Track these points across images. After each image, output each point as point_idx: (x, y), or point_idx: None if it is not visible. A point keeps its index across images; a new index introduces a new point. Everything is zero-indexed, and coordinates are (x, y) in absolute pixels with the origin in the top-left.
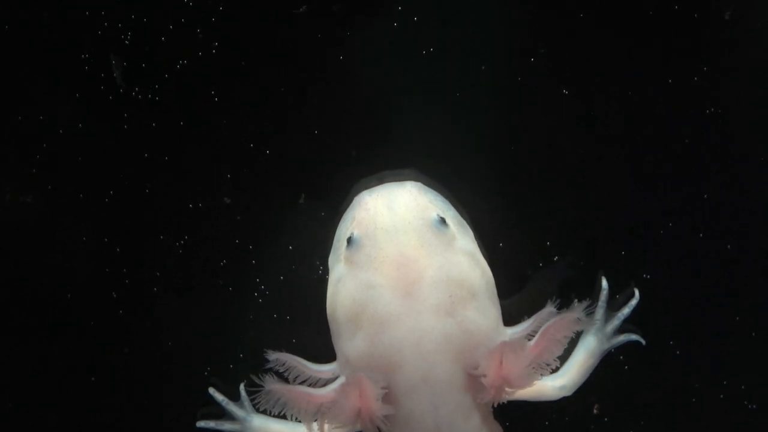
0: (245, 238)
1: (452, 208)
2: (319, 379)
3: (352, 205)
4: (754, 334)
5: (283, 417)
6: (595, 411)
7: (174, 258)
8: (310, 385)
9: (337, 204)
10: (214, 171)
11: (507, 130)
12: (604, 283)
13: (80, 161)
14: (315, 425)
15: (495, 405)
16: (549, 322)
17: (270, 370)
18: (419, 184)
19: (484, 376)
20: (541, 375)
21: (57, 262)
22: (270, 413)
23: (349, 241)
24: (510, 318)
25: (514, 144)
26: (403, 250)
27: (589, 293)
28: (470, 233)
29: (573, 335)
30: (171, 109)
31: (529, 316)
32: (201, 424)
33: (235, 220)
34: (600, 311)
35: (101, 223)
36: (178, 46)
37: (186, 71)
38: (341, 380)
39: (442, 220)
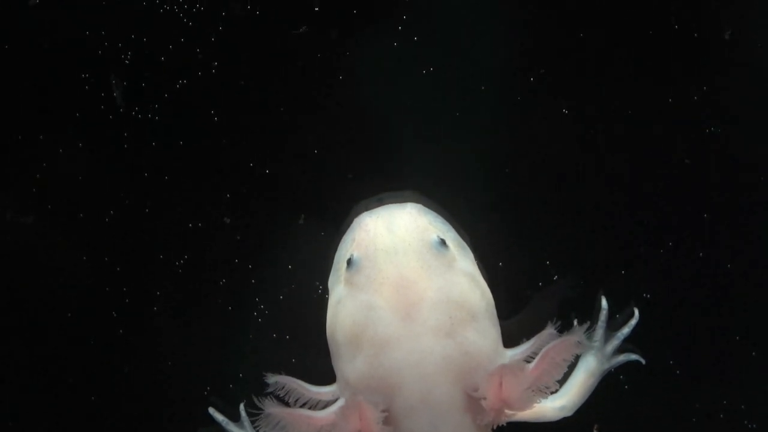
0: (245, 257)
1: (452, 229)
2: (319, 401)
3: (352, 226)
4: (754, 353)
5: None
6: (595, 431)
7: (174, 277)
8: (310, 408)
9: (336, 225)
10: (214, 191)
11: (506, 150)
12: (604, 302)
13: (80, 180)
14: None
15: (495, 427)
16: (549, 345)
17: (269, 392)
18: (419, 206)
19: (484, 398)
20: (541, 398)
21: (57, 282)
22: None
23: (349, 262)
24: (510, 339)
25: (514, 164)
26: (403, 271)
27: (589, 313)
28: (470, 254)
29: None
30: (171, 128)
31: (529, 337)
32: None
33: (234, 240)
34: (600, 331)
35: (101, 243)
36: (178, 66)
37: (186, 91)
38: (341, 402)
39: (442, 242)
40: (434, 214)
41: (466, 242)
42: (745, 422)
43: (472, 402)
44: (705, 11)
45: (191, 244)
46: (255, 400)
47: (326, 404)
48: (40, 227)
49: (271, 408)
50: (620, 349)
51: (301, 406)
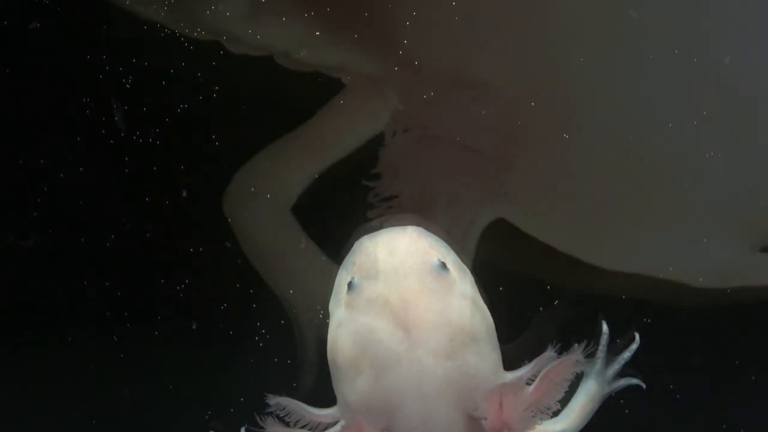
0: (245, 282)
1: (452, 252)
2: (320, 422)
3: (352, 249)
4: (754, 377)
5: None
6: None
7: (175, 302)
8: (310, 429)
9: (337, 249)
10: (215, 215)
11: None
12: (605, 327)
13: (81, 204)
14: None
15: None
16: (549, 366)
17: (271, 413)
18: (420, 229)
19: (484, 418)
20: (541, 419)
21: (57, 305)
22: None
23: (350, 285)
24: (510, 362)
25: (512, 188)
26: (404, 294)
27: (590, 337)
28: (470, 277)
29: (573, 379)
30: (172, 153)
31: (530, 360)
32: None
33: (235, 264)
34: (600, 355)
35: (102, 267)
36: (179, 90)
37: (187, 115)
38: (341, 424)
39: (443, 265)
40: (435, 237)
41: (467, 265)
42: None
43: (473, 423)
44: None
45: (192, 269)
46: (257, 418)
47: (327, 426)
48: (40, 250)
49: (272, 428)
50: (621, 374)
51: (302, 428)
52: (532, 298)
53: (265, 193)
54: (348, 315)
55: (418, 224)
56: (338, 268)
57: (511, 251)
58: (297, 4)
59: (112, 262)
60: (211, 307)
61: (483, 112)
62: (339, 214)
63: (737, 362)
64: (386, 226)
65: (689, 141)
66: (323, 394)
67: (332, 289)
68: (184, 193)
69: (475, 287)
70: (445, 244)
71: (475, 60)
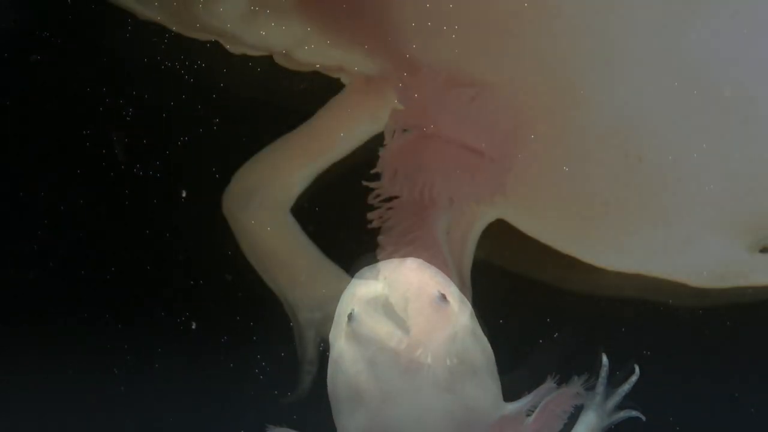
0: (246, 314)
1: (452, 284)
2: None
3: (352, 281)
4: (753, 410)
5: None
6: None
7: (175, 334)
8: None
9: (337, 248)
10: (215, 248)
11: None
12: (604, 359)
13: (81, 237)
14: None
15: None
16: (549, 397)
17: None
18: (420, 261)
19: None
20: None
21: (58, 340)
22: None
23: (350, 317)
24: (510, 394)
25: (512, 188)
26: (404, 326)
27: (589, 369)
28: (470, 309)
29: (573, 410)
30: (172, 185)
31: (529, 392)
32: None
33: (236, 297)
34: (600, 387)
35: (102, 300)
36: (180, 122)
37: (187, 115)
38: None
39: (443, 297)
40: (434, 269)
41: (467, 297)
42: None
43: None
44: None
45: (193, 302)
46: None
47: None
48: (41, 284)
49: None
50: (621, 406)
51: None
52: (532, 330)
53: (265, 193)
54: (348, 347)
55: (418, 257)
56: (338, 269)
57: (511, 251)
58: (297, 4)
59: (112, 294)
60: (211, 307)
61: (483, 112)
62: (339, 214)
63: (737, 362)
64: (387, 259)
65: (689, 141)
66: (323, 393)
67: (332, 288)
68: (184, 193)
69: (475, 319)
70: (445, 276)
71: (475, 60)
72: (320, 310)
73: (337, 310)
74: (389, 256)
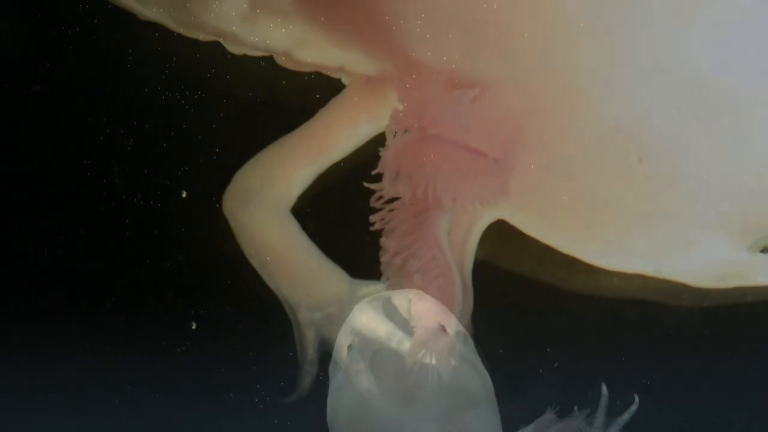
0: (246, 314)
1: (453, 316)
2: None
3: (352, 313)
4: (753, 410)
5: None
6: None
7: (175, 334)
8: None
9: (337, 249)
10: (215, 215)
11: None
12: (604, 389)
13: (81, 268)
14: None
15: None
16: (549, 429)
17: None
18: (419, 293)
19: None
20: None
21: (58, 338)
22: None
23: (350, 349)
24: (510, 425)
25: (513, 188)
26: (403, 358)
27: (589, 400)
28: (470, 341)
29: None
30: (173, 216)
31: (529, 423)
32: None
33: (236, 329)
34: (600, 417)
35: (102, 300)
36: (180, 122)
37: (187, 115)
38: None
39: (443, 329)
40: (434, 301)
41: (468, 298)
42: None
43: None
44: None
45: (192, 301)
46: None
47: None
48: (40, 284)
49: None
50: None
51: None
52: (531, 361)
53: (266, 193)
54: (348, 379)
55: (419, 257)
56: (338, 269)
57: (512, 252)
58: (297, 4)
59: (111, 326)
60: (211, 307)
61: (484, 112)
62: (339, 214)
63: (737, 362)
64: (386, 291)
65: (689, 142)
66: (323, 393)
67: (332, 288)
68: (184, 194)
69: (475, 350)
70: (445, 309)
71: (475, 60)
72: (320, 310)
73: (336, 341)
74: (391, 258)
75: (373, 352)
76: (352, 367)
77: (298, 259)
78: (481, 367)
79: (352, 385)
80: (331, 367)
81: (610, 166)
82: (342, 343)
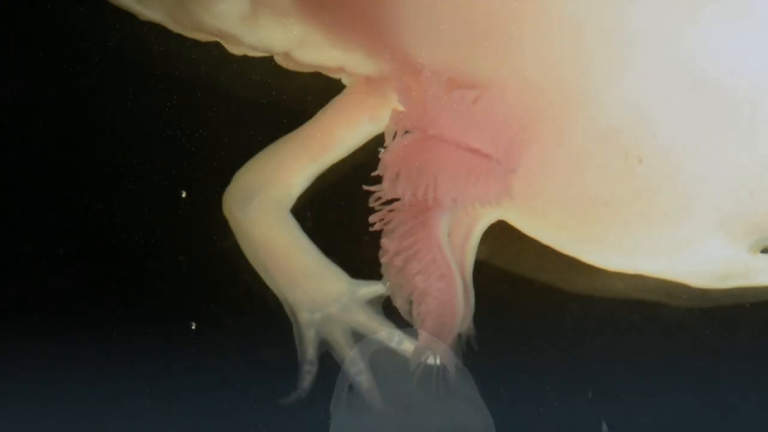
0: (246, 314)
1: (454, 356)
2: None
3: (354, 350)
4: (752, 410)
5: None
6: None
7: (175, 334)
8: None
9: (337, 249)
10: (215, 215)
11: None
12: (605, 427)
13: (81, 237)
14: None
15: None
16: None
17: None
18: (422, 333)
19: None
20: None
21: (58, 338)
22: None
23: (351, 387)
24: None
25: (513, 189)
26: (405, 396)
27: (589, 400)
28: (471, 380)
29: None
30: (173, 216)
31: (529, 427)
32: None
33: (236, 329)
34: None
35: (102, 300)
36: (180, 122)
37: (186, 115)
38: None
39: (444, 368)
40: (435, 340)
41: (469, 299)
42: None
43: None
44: None
45: (192, 301)
46: None
47: None
48: (40, 284)
49: None
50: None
51: None
52: (532, 398)
53: (266, 194)
54: (349, 417)
55: (420, 258)
56: (338, 269)
57: (512, 252)
58: (297, 5)
59: (112, 357)
60: (211, 307)
61: (485, 113)
62: (339, 214)
63: (737, 362)
64: (388, 333)
65: (689, 142)
66: (323, 394)
67: (332, 288)
68: (184, 194)
69: (476, 389)
70: (447, 347)
71: (475, 60)
72: (320, 310)
73: (338, 379)
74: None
75: (376, 389)
76: (353, 404)
77: (297, 259)
78: (482, 404)
79: (354, 422)
80: (332, 405)
81: (611, 167)
82: (344, 379)
